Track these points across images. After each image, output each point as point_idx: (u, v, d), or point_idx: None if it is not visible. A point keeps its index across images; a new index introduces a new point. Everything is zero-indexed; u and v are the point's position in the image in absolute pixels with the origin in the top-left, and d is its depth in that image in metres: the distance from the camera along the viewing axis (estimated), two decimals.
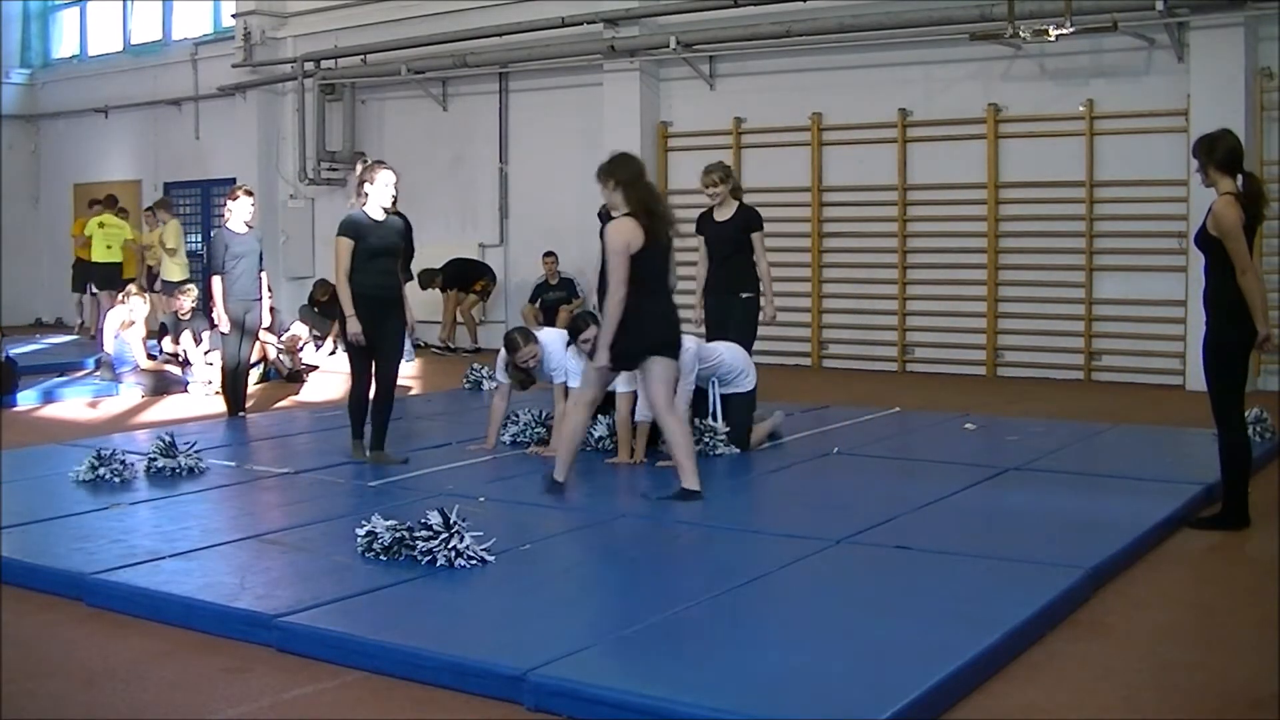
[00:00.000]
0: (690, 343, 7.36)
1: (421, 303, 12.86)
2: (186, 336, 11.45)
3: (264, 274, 9.60)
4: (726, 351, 7.54)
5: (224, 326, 9.26)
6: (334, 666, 4.13)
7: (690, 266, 8.10)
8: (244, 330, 9.37)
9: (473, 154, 15.32)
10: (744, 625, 4.39)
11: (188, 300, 11.83)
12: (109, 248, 15.11)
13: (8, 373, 10.69)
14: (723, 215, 8.06)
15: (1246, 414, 7.72)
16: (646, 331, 6.14)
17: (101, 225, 15.25)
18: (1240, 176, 5.86)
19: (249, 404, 9.89)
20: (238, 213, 9.40)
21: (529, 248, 14.53)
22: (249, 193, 9.62)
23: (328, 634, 4.27)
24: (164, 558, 5.19)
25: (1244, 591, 5.05)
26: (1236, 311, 5.74)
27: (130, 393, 11.06)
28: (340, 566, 5.06)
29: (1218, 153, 5.85)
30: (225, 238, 9.28)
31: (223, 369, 9.58)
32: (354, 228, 7.20)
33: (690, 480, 6.22)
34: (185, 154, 18.53)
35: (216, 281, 9.20)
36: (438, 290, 14.45)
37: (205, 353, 11.40)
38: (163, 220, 14.79)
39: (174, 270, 14.29)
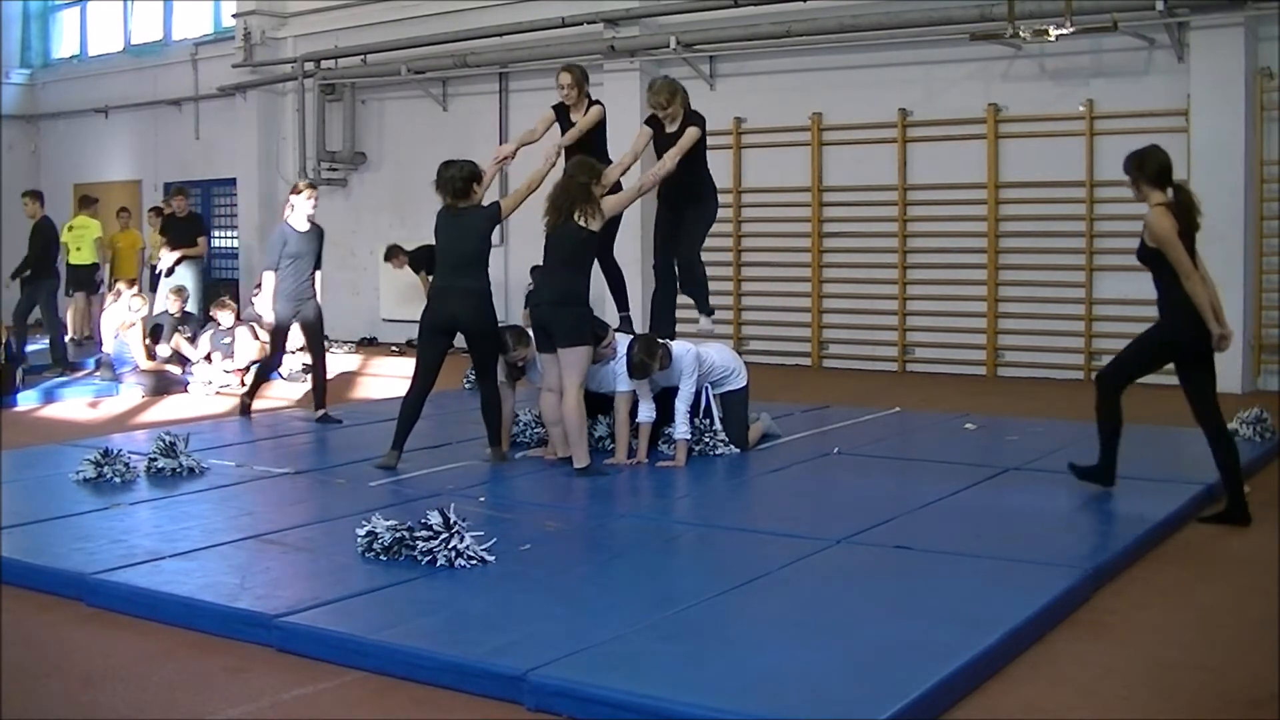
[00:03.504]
0: (690, 345, 7.40)
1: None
2: (177, 339, 11.46)
3: (319, 273, 9.22)
4: (716, 355, 7.57)
5: (268, 318, 9.02)
6: (334, 666, 4.13)
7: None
8: (288, 330, 9.13)
9: (473, 154, 15.08)
10: (744, 625, 4.39)
11: (177, 301, 11.89)
12: (78, 249, 15.01)
13: (8, 373, 10.69)
14: (673, 128, 7.85)
15: (1246, 414, 7.82)
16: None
17: (71, 229, 15.14)
18: (1170, 190, 6.04)
19: (322, 409, 9.25)
20: (300, 208, 9.01)
21: (530, 248, 14.51)
22: (312, 186, 9.22)
23: (328, 634, 4.27)
24: (164, 558, 5.19)
25: (1244, 591, 5.05)
26: (1190, 316, 5.88)
27: (130, 393, 11.06)
28: (340, 566, 5.07)
29: (1148, 169, 6.08)
30: (284, 234, 8.99)
31: (260, 365, 9.23)
32: None
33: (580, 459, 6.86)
34: (185, 154, 18.53)
35: (269, 276, 8.95)
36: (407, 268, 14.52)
37: (207, 354, 11.41)
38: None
39: None
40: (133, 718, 3.79)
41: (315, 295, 9.16)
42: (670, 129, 7.86)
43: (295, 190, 9.14)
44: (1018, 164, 11.84)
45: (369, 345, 15.75)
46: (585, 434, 6.96)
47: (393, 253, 14.73)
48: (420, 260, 14.46)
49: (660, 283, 8.20)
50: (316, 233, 9.17)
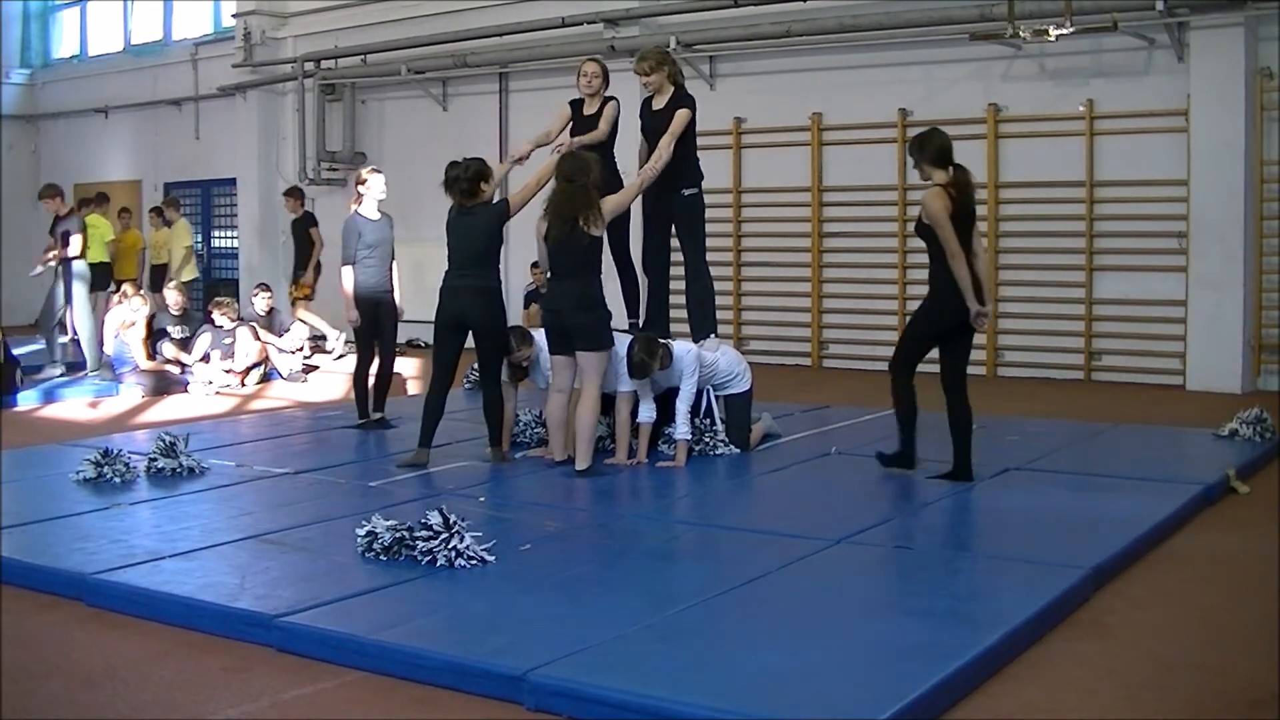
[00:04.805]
0: (690, 345, 7.40)
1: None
2: (174, 349, 11.47)
3: (395, 264, 8.79)
4: (722, 357, 7.57)
5: (353, 315, 8.59)
6: (334, 666, 4.13)
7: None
8: (376, 325, 8.69)
9: (473, 154, 15.04)
10: (744, 625, 4.39)
11: (177, 297, 11.89)
12: (88, 248, 14.96)
13: (9, 372, 10.69)
14: (659, 104, 7.66)
15: (1246, 414, 7.83)
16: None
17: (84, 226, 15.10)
18: (951, 169, 6.48)
19: (379, 412, 8.79)
20: (369, 196, 8.59)
21: (528, 249, 14.48)
22: (377, 171, 8.81)
23: (328, 634, 4.27)
24: (164, 558, 5.20)
25: (1244, 591, 5.05)
26: (953, 293, 6.44)
27: (130, 393, 11.06)
28: (340, 566, 5.07)
29: (928, 151, 6.50)
30: (358, 225, 8.53)
31: (356, 367, 8.94)
32: None
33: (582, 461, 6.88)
34: (185, 154, 18.53)
35: (347, 272, 8.48)
36: None
37: (205, 354, 11.41)
38: (170, 220, 14.74)
39: (186, 270, 14.27)
40: (133, 718, 3.79)
41: (394, 289, 8.78)
42: (657, 105, 7.67)
43: (360, 181, 8.68)
44: (1018, 164, 11.84)
45: None
46: (595, 438, 6.96)
47: (293, 193, 14.37)
48: (303, 229, 14.19)
49: (651, 280, 8.10)
50: (388, 221, 8.76)
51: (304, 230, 14.15)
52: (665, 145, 7.40)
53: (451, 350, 7.39)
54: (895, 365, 6.87)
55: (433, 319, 7.37)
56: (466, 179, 7.29)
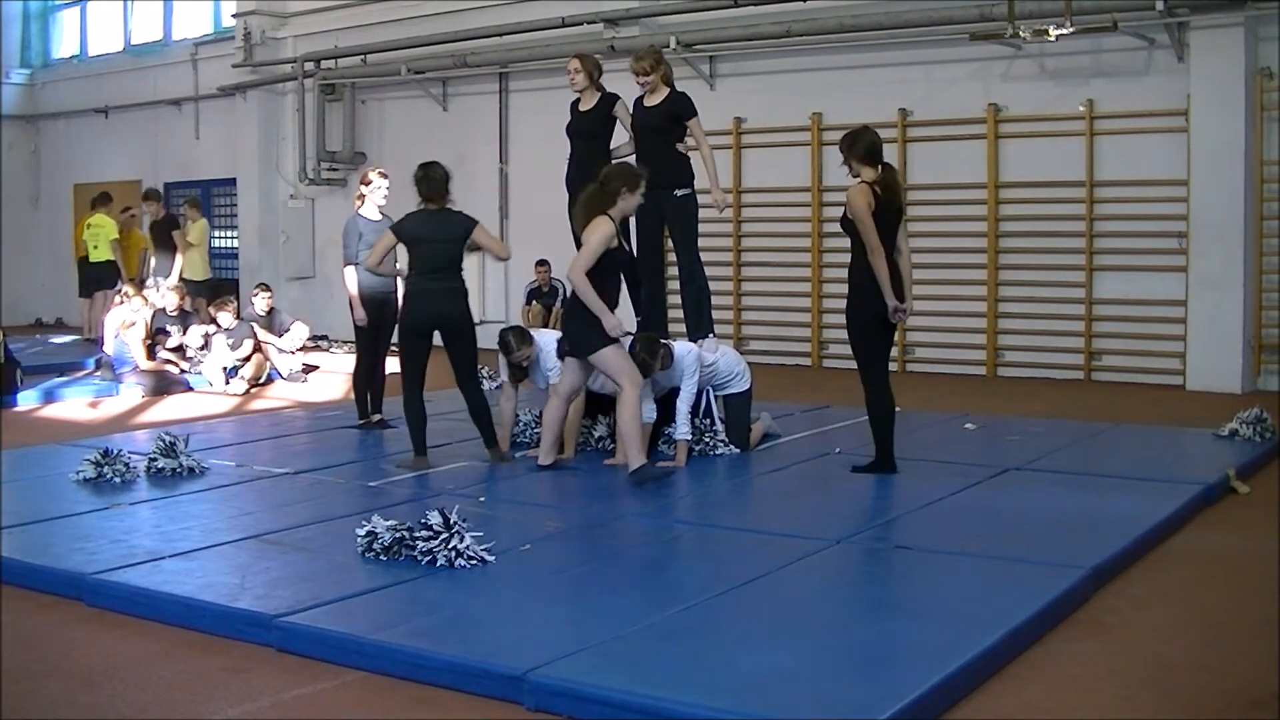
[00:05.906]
0: (691, 346, 7.40)
1: None
2: (171, 353, 11.47)
3: (399, 265, 8.64)
4: (721, 358, 7.58)
5: (359, 315, 8.52)
6: (334, 666, 4.13)
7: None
8: (380, 326, 8.61)
9: (473, 154, 15.29)
10: (744, 625, 4.39)
11: (176, 298, 11.90)
12: (95, 248, 15.03)
13: (9, 372, 10.68)
14: (652, 101, 7.72)
15: (1246, 414, 7.83)
16: None
17: (89, 226, 15.18)
18: (880, 168, 6.60)
19: (378, 414, 8.76)
20: (372, 197, 8.62)
21: (529, 248, 14.52)
22: (384, 174, 8.77)
23: (328, 634, 4.27)
24: (164, 558, 5.20)
25: (1244, 591, 5.05)
26: (871, 287, 6.55)
27: (130, 393, 11.06)
28: (340, 566, 5.07)
29: (858, 148, 6.61)
30: (359, 225, 8.53)
31: (355, 367, 8.92)
32: None
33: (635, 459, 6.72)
34: (185, 154, 18.53)
35: (350, 272, 8.47)
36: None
37: (199, 349, 11.41)
38: (190, 219, 14.75)
39: (196, 269, 14.29)
40: (133, 718, 3.79)
41: (397, 289, 8.60)
42: (649, 102, 7.73)
43: (365, 180, 8.69)
44: (1018, 164, 11.84)
45: None
46: (638, 435, 6.74)
47: (152, 195, 14.51)
48: (164, 231, 14.16)
49: (647, 280, 8.08)
50: (388, 223, 8.52)
51: (166, 233, 14.15)
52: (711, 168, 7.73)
53: (423, 354, 7.32)
54: (867, 380, 6.84)
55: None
56: (449, 179, 7.39)
